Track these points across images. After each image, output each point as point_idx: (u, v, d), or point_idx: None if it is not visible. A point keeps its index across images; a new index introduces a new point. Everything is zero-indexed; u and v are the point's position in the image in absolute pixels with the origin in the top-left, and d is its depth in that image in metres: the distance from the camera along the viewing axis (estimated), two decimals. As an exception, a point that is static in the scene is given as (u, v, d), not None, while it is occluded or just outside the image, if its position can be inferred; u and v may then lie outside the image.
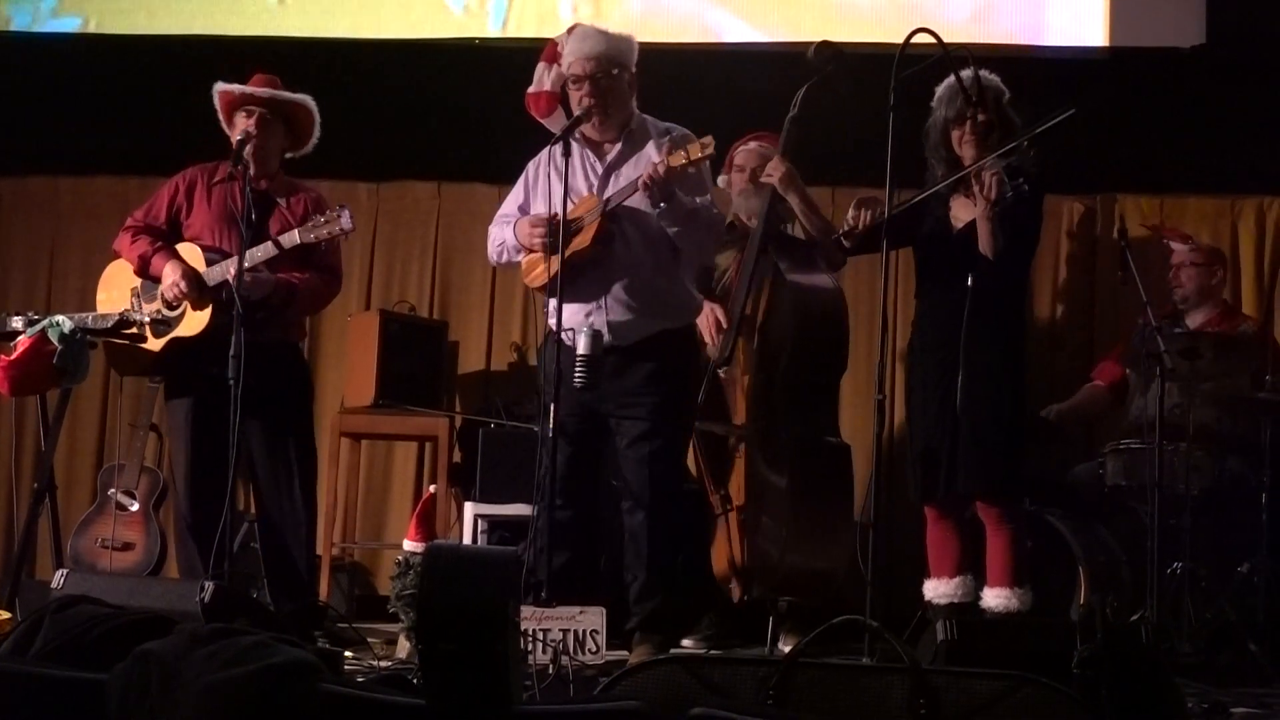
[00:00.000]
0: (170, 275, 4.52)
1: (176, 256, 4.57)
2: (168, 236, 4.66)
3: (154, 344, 4.61)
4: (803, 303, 4.52)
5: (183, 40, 6.10)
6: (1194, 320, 5.19)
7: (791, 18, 5.93)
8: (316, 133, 4.73)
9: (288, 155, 4.77)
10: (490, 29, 6.05)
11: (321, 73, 5.74)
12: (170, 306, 4.58)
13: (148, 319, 4.61)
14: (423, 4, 6.11)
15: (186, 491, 4.58)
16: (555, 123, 4.82)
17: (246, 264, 4.35)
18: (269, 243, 4.47)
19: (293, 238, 4.49)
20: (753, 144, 5.00)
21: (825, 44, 4.39)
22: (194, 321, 4.53)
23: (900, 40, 3.93)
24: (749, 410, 4.57)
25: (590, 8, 5.97)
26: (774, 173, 4.47)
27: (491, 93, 5.31)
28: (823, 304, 4.59)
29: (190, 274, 4.51)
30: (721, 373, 4.67)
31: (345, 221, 4.48)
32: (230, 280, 4.37)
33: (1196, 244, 5.36)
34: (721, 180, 5.06)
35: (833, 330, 4.61)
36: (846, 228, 4.30)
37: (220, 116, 4.70)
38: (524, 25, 5.99)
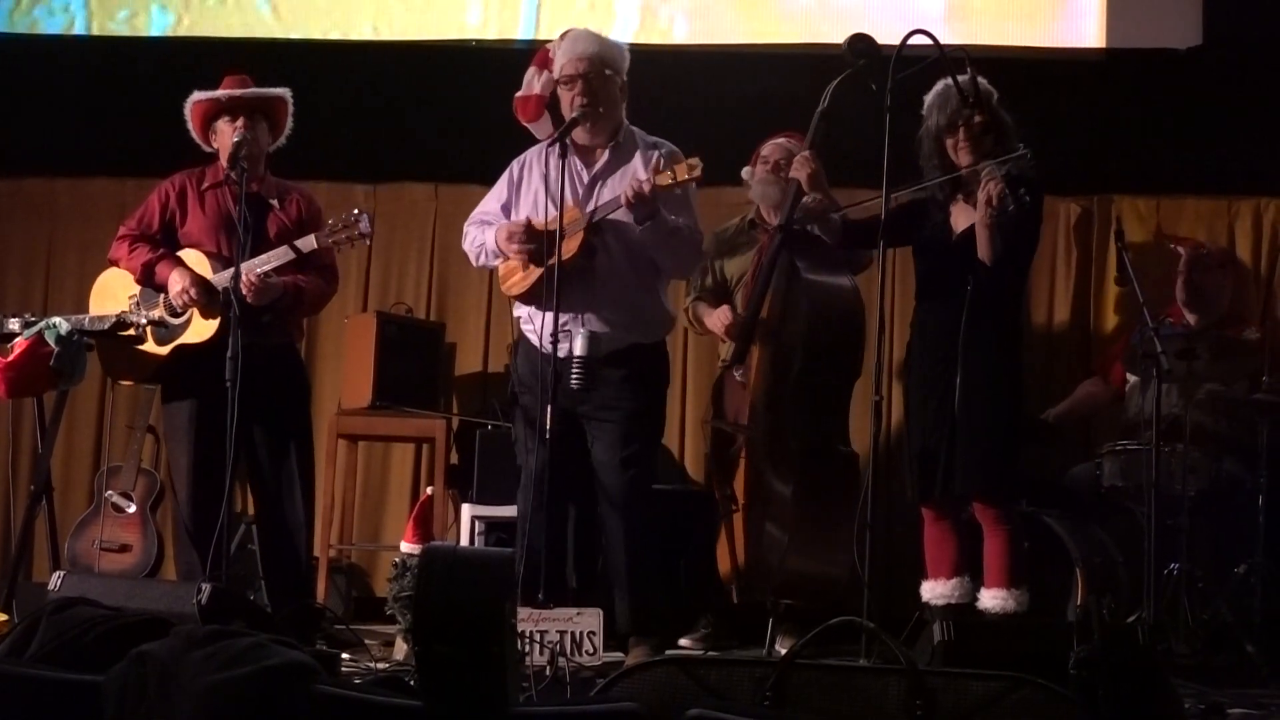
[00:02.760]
0: (179, 282, 4.49)
1: (182, 264, 4.55)
2: (163, 244, 4.63)
3: (159, 350, 4.58)
4: (819, 303, 4.47)
5: (180, 41, 6.10)
6: (1198, 321, 5.18)
7: (808, 21, 5.94)
8: (290, 124, 4.71)
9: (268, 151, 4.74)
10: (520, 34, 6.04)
11: (318, 74, 5.75)
12: (174, 314, 4.56)
13: (148, 321, 4.58)
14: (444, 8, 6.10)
15: (188, 495, 4.54)
16: (541, 128, 4.82)
17: (266, 267, 4.39)
18: (283, 248, 4.45)
19: (310, 243, 4.47)
20: (780, 139, 4.98)
21: (859, 37, 4.21)
22: (202, 328, 4.50)
23: (896, 42, 3.94)
24: (759, 412, 4.56)
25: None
26: (800, 170, 4.35)
27: (488, 94, 5.31)
28: (839, 305, 4.53)
29: (199, 280, 4.49)
30: (738, 374, 4.67)
31: (364, 226, 4.47)
32: (241, 284, 4.37)
33: (1207, 248, 5.35)
34: (745, 172, 5.06)
35: (848, 333, 4.53)
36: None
37: (192, 126, 4.65)
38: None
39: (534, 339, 4.33)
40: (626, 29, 5.89)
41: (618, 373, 4.25)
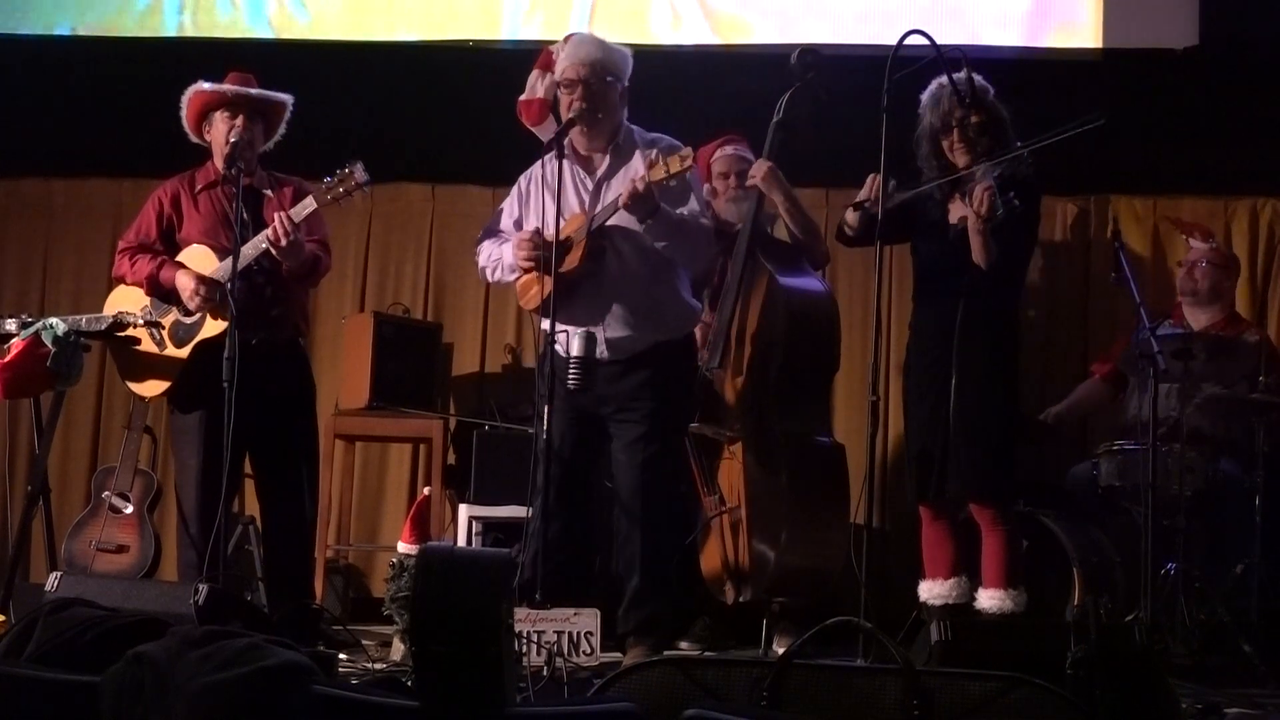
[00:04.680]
0: (188, 286, 4.47)
1: (184, 266, 4.54)
2: (164, 253, 4.62)
3: (179, 353, 4.55)
4: (793, 305, 4.52)
5: (177, 41, 6.10)
6: (1198, 320, 5.17)
7: (788, 19, 5.93)
8: (283, 128, 4.69)
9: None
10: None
11: (315, 74, 5.74)
12: (188, 312, 4.54)
13: (146, 322, 4.57)
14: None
15: (198, 496, 4.50)
16: (546, 131, 4.80)
17: (259, 248, 4.38)
18: (282, 215, 4.39)
19: (309, 204, 4.44)
20: (729, 149, 5.02)
21: (807, 50, 4.40)
22: (219, 320, 4.46)
23: (891, 42, 3.94)
24: (742, 412, 4.57)
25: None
26: (756, 173, 4.46)
27: (486, 95, 5.31)
28: (813, 305, 4.59)
29: (206, 280, 4.47)
30: (708, 374, 4.68)
31: (360, 174, 4.42)
32: (253, 263, 4.38)
33: (1217, 244, 5.35)
34: (706, 190, 5.05)
35: (824, 331, 4.61)
36: (860, 198, 4.25)
37: (187, 115, 4.62)
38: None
39: (561, 350, 4.31)
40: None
41: (641, 374, 4.24)
